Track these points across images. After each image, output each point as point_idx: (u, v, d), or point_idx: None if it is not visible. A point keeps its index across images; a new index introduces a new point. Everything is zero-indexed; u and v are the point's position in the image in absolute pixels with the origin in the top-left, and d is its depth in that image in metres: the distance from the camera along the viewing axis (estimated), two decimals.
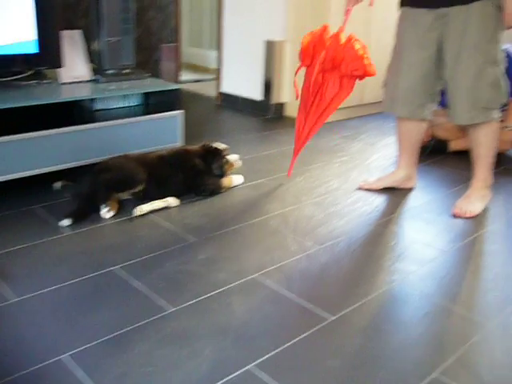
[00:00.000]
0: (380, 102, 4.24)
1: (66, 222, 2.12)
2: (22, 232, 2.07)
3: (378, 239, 2.18)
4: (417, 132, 2.57)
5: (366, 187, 2.66)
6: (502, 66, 2.31)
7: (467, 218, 2.39)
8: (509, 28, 2.22)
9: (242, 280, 1.82)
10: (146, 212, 2.29)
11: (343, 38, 2.44)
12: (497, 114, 2.35)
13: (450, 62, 2.30)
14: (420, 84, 2.41)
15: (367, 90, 4.13)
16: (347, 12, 2.48)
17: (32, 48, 2.40)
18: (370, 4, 2.50)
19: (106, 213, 2.20)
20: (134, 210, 2.26)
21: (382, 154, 3.25)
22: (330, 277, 1.88)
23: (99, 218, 2.19)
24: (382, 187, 2.65)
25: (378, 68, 2.50)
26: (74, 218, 2.14)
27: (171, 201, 2.40)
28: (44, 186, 2.39)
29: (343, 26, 2.48)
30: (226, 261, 1.94)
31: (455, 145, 3.24)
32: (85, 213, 2.20)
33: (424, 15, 2.32)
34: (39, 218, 2.21)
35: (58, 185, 2.37)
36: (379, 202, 2.54)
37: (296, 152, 2.75)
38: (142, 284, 1.76)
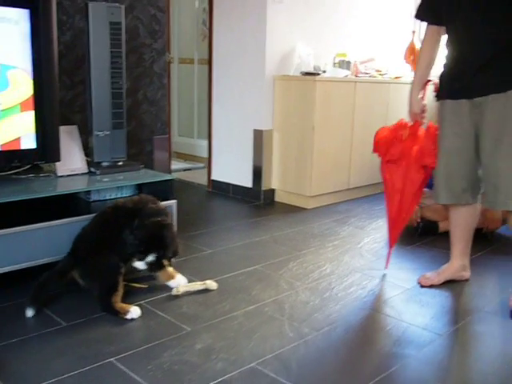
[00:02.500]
0: (365, 185, 4.40)
1: (30, 313, 2.12)
2: (18, 325, 2.06)
3: (374, 324, 2.18)
4: (469, 218, 2.55)
5: (429, 284, 2.56)
6: None
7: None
8: None
9: (241, 369, 1.80)
10: (182, 292, 2.36)
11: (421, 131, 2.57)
12: None
13: (489, 148, 2.33)
14: (460, 171, 2.44)
15: (353, 175, 4.26)
16: (416, 125, 2.59)
17: (31, 144, 2.48)
18: (423, 98, 2.57)
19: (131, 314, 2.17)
20: (173, 289, 2.37)
21: (373, 238, 3.30)
22: (327, 364, 1.87)
23: (94, 309, 2.19)
24: (443, 281, 2.58)
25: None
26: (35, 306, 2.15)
27: (209, 283, 2.44)
28: (39, 277, 2.39)
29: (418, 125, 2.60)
30: (224, 350, 1.93)
31: (444, 226, 3.30)
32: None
33: (462, 105, 2.38)
34: None
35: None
36: (373, 285, 2.56)
37: (392, 243, 2.74)
38: (139, 376, 1.74)
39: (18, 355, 1.85)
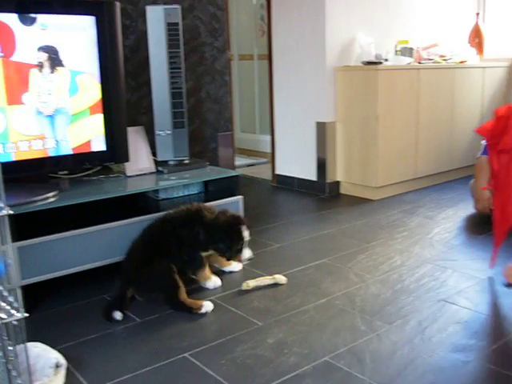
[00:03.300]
0: (432, 174, 4.28)
1: (118, 316, 2.13)
2: (94, 321, 2.13)
3: (449, 316, 2.12)
4: None
5: None
6: None
7: None
8: None
9: (314, 363, 1.80)
10: (252, 287, 2.38)
11: None
12: None
13: None
14: None
15: (420, 164, 4.16)
16: None
17: (101, 146, 2.55)
18: None
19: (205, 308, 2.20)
20: (242, 284, 2.40)
21: (443, 228, 3.22)
22: (402, 357, 1.84)
23: (166, 306, 2.23)
24: None
25: None
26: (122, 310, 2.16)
27: (279, 278, 2.45)
28: (113, 275, 2.46)
29: None
30: (296, 344, 1.93)
31: None
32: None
33: None
34: None
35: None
36: (446, 276, 2.49)
37: (499, 242, 2.52)
38: (213, 370, 1.77)
39: (97, 350, 1.92)
